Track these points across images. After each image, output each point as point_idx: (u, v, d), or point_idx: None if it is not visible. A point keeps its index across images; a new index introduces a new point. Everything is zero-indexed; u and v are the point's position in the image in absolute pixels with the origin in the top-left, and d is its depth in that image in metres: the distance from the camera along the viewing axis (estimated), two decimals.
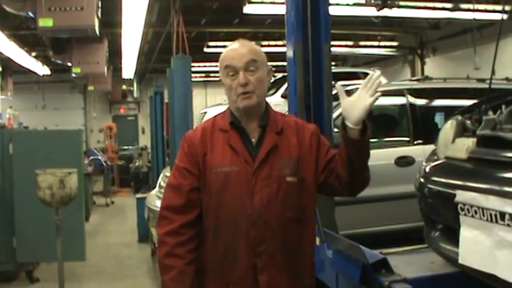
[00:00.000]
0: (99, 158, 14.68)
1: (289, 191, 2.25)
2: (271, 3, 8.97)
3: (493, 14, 9.59)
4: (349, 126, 2.14)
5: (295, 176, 2.26)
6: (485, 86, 4.51)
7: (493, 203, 2.15)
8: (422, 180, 2.90)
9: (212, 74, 19.75)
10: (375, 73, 2.11)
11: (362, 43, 14.53)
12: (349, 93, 2.17)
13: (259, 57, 2.30)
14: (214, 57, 14.24)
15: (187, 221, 2.27)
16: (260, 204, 2.21)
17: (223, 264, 2.25)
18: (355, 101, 2.13)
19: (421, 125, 5.32)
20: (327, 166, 2.31)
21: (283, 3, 3.62)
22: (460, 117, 2.91)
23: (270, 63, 2.37)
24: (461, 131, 2.83)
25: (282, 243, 2.24)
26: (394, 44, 14.91)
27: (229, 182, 2.24)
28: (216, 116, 2.42)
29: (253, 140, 2.30)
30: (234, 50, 2.30)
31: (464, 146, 2.62)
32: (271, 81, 2.48)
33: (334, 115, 3.85)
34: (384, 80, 8.59)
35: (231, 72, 2.27)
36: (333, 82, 3.57)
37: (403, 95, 5.43)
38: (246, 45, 2.31)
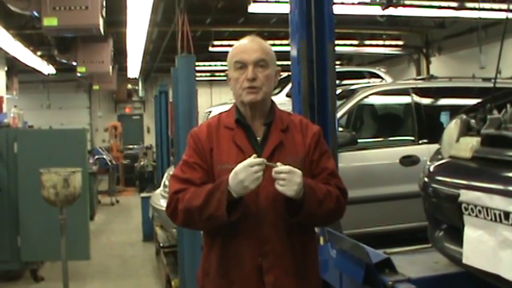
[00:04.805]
0: (104, 157, 14.70)
1: None
2: (276, 2, 8.94)
3: (499, 13, 9.54)
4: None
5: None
6: (491, 85, 4.49)
7: (497, 202, 2.14)
8: (426, 179, 2.89)
9: (217, 73, 19.72)
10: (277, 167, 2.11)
11: (367, 42, 14.49)
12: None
13: (269, 56, 2.28)
14: (219, 56, 14.36)
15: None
16: (266, 203, 2.18)
17: (226, 264, 2.21)
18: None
19: (426, 124, 5.30)
20: (313, 173, 2.28)
21: (288, 2, 3.60)
22: (464, 116, 2.89)
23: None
24: (466, 130, 2.81)
25: (288, 242, 2.21)
26: (400, 43, 14.87)
27: None
28: (221, 113, 2.40)
29: (258, 138, 2.28)
30: (245, 45, 2.29)
31: (468, 145, 2.60)
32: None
33: (338, 115, 3.84)
34: (389, 79, 8.62)
35: (239, 65, 2.24)
36: (337, 81, 3.57)
37: (408, 94, 5.41)
38: (257, 42, 2.30)
